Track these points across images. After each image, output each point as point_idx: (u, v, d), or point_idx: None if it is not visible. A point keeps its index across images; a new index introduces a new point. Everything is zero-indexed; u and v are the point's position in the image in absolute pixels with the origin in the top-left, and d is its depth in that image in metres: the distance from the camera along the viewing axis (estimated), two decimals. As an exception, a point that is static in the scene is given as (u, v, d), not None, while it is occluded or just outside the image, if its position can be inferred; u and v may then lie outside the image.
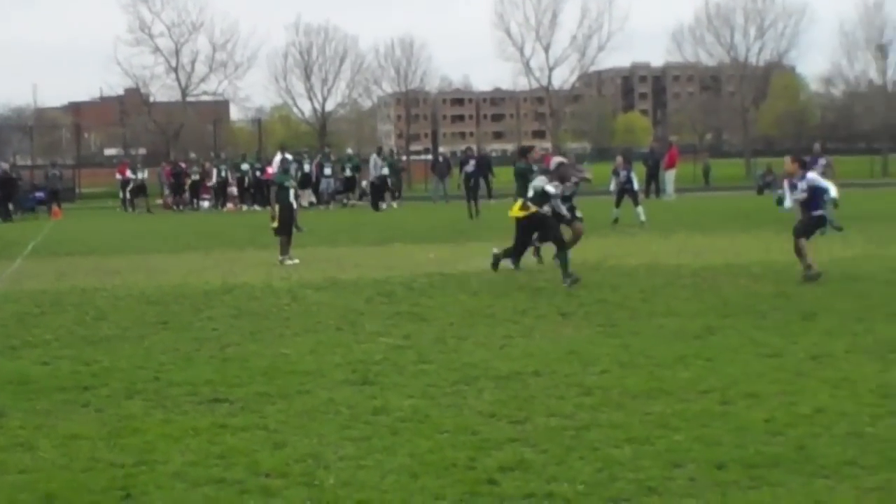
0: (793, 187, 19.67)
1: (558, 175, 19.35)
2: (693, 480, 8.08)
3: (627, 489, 7.90)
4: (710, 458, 8.57)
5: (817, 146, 37.19)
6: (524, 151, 23.70)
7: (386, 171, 51.57)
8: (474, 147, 58.18)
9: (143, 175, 57.16)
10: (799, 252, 19.14)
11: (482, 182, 48.02)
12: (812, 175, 19.67)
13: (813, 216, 19.49)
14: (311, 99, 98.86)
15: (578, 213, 22.54)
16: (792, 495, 7.69)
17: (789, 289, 18.29)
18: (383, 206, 49.23)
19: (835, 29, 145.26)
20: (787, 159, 20.48)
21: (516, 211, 20.18)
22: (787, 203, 19.92)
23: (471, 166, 44.75)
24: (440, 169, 57.44)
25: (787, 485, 7.92)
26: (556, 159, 19.72)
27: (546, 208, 19.61)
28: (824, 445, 8.86)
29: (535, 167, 22.10)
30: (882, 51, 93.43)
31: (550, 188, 19.25)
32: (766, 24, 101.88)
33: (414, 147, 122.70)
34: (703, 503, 7.58)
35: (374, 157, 52.30)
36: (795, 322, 15.07)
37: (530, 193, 19.96)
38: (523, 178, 21.63)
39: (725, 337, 14.05)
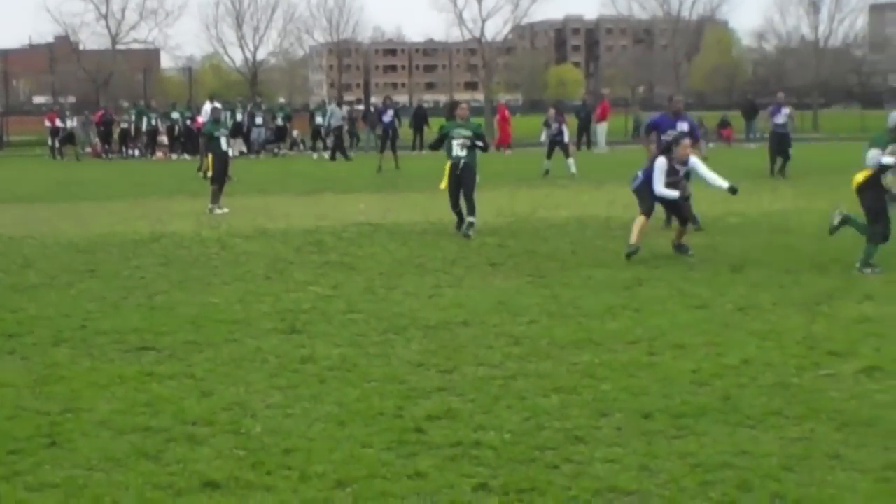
0: (674, 172, 17.12)
1: None
2: (619, 430, 8.13)
3: (554, 438, 7.94)
4: (637, 407, 8.63)
5: (781, 95, 36.71)
6: (453, 107, 23.31)
7: (319, 120, 51.16)
8: (394, 98, 57.43)
9: (72, 123, 56.50)
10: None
11: (404, 133, 47.64)
12: (694, 159, 17.39)
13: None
14: (242, 48, 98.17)
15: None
16: (717, 444, 7.75)
17: (718, 241, 18.42)
18: (337, 154, 48.74)
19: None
20: (686, 142, 17.54)
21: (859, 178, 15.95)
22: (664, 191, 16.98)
23: (388, 116, 44.19)
24: (371, 119, 57.05)
25: (713, 434, 7.98)
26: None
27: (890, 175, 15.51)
28: (750, 396, 8.95)
29: (459, 121, 21.71)
30: (814, 6, 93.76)
31: (891, 159, 15.26)
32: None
33: (346, 97, 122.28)
34: (629, 452, 7.62)
35: (332, 107, 51.96)
36: (723, 274, 15.19)
37: (886, 160, 15.41)
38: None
39: (654, 288, 14.14)
